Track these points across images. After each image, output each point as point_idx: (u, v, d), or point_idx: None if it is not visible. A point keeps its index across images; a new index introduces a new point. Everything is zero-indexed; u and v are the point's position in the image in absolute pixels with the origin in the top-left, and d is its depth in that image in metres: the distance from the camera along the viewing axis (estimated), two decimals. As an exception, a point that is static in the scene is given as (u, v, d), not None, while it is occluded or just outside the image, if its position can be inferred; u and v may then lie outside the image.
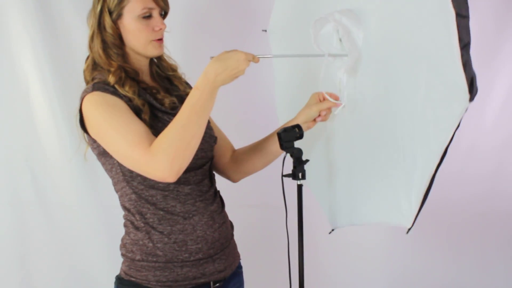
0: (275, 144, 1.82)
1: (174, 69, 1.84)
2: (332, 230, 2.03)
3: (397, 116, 1.63)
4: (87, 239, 2.62)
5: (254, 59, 1.55)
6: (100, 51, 1.66)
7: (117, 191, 1.71)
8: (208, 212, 1.71)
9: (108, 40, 1.65)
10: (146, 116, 1.60)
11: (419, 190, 1.56)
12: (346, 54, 1.75)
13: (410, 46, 1.56)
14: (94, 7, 1.66)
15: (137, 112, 1.60)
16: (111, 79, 1.62)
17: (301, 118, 1.82)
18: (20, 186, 2.53)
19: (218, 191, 1.83)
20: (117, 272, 1.77)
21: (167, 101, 1.71)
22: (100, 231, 2.62)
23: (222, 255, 1.73)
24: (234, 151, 1.98)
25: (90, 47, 1.69)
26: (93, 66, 1.69)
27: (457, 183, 2.74)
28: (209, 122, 1.80)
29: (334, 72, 1.82)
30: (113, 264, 1.87)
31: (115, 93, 1.60)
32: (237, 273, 1.85)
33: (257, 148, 1.91)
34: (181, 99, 1.76)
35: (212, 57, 1.54)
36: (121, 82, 1.62)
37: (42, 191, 2.55)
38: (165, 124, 1.62)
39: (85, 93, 1.61)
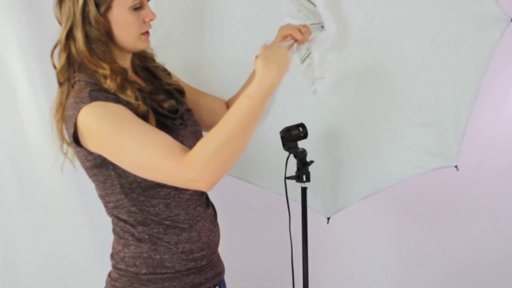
0: None
1: (153, 60, 1.71)
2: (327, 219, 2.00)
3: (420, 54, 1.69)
4: (74, 243, 2.52)
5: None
6: (84, 49, 1.47)
7: (108, 203, 1.57)
8: (208, 216, 1.64)
9: (94, 36, 1.47)
10: (152, 123, 1.47)
11: (459, 129, 1.68)
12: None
13: None
14: None
15: (142, 119, 1.46)
16: (111, 85, 1.45)
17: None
18: (5, 189, 2.41)
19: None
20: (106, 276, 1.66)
21: (166, 104, 1.60)
22: (89, 235, 2.51)
23: (217, 258, 1.71)
24: (226, 103, 1.88)
25: (66, 44, 1.49)
26: (69, 65, 1.50)
27: (476, 178, 2.67)
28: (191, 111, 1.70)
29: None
30: (102, 269, 1.76)
31: (117, 100, 1.44)
32: None
33: (250, 79, 1.79)
34: (169, 94, 1.66)
35: (256, 57, 1.40)
36: (121, 87, 1.47)
37: (28, 194, 2.42)
38: (169, 130, 1.51)
39: (80, 104, 1.41)
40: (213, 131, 1.38)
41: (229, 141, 1.36)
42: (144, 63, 1.67)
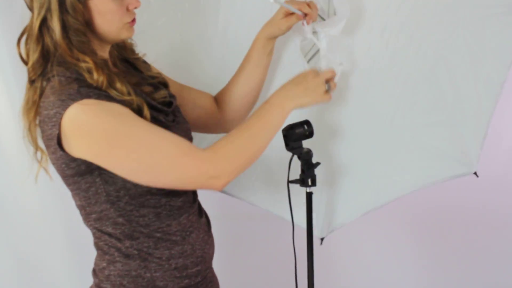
0: (261, 52, 1.64)
1: (133, 51, 1.56)
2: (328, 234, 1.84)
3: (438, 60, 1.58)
4: (51, 259, 2.40)
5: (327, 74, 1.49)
6: (62, 40, 1.31)
7: (90, 214, 1.43)
8: (201, 225, 1.54)
9: (72, 25, 1.32)
10: (147, 118, 1.36)
11: (479, 131, 1.57)
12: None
13: None
14: None
15: (137, 114, 1.35)
16: (100, 80, 1.31)
17: (264, 34, 1.62)
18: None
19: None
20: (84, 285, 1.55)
21: (157, 96, 1.46)
22: (67, 250, 2.40)
23: (212, 273, 1.62)
24: (213, 98, 1.76)
25: (40, 35, 1.33)
26: (44, 59, 1.35)
27: (499, 190, 2.52)
28: (178, 109, 1.57)
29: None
30: (79, 278, 1.70)
31: (110, 97, 1.31)
32: None
33: (244, 68, 1.68)
34: (154, 87, 1.51)
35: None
36: (109, 81, 1.33)
37: (1, 200, 2.31)
38: (164, 125, 1.40)
39: (68, 101, 1.26)
40: (236, 129, 1.39)
41: (254, 140, 1.39)
42: (123, 54, 1.52)
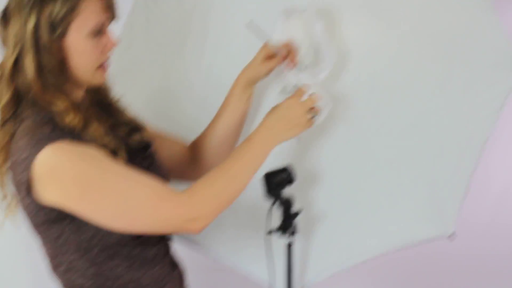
0: (239, 98, 1.56)
1: (109, 93, 1.49)
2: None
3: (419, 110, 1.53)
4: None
5: (308, 103, 1.40)
6: (35, 80, 1.25)
7: (59, 265, 1.34)
8: (175, 278, 1.46)
9: (46, 65, 1.25)
10: (122, 161, 1.30)
11: (459, 189, 1.51)
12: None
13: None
14: (18, 16, 1.24)
15: (112, 157, 1.29)
16: (75, 121, 1.25)
17: (243, 79, 1.55)
18: None
19: None
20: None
21: (134, 138, 1.41)
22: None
23: None
24: (191, 145, 1.69)
25: (13, 74, 1.26)
26: (16, 101, 1.28)
27: (486, 236, 2.48)
28: (154, 156, 1.51)
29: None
30: None
31: (84, 140, 1.25)
32: None
33: (221, 115, 1.60)
34: (130, 131, 1.45)
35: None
36: (84, 122, 1.27)
37: None
38: (141, 167, 1.33)
39: (40, 144, 1.19)
40: (215, 170, 1.34)
41: (235, 180, 1.34)
42: (97, 97, 1.46)
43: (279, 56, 1.47)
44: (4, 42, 1.27)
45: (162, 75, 1.76)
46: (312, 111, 1.39)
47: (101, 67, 1.33)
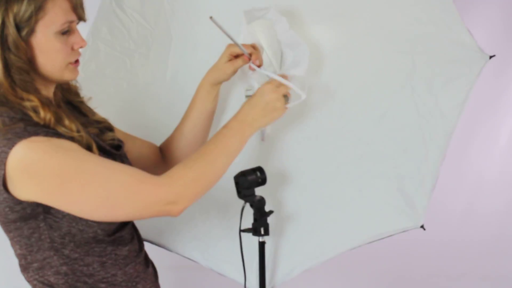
0: (206, 98, 1.59)
1: (78, 94, 1.49)
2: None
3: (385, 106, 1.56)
4: None
5: (281, 88, 1.42)
6: (4, 79, 1.24)
7: (31, 263, 1.32)
8: (148, 276, 1.45)
9: (14, 64, 1.25)
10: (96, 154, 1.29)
11: (427, 181, 1.52)
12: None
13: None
14: None
15: None
16: (48, 117, 1.24)
17: (209, 80, 1.57)
18: None
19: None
20: None
21: (106, 137, 1.41)
22: None
23: None
24: (158, 148, 1.70)
25: None
26: None
27: (463, 223, 2.54)
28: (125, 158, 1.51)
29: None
30: None
31: (59, 134, 1.24)
32: None
33: (188, 116, 1.62)
34: (101, 130, 1.46)
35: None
36: (56, 118, 1.26)
37: None
38: None
39: (14, 139, 1.18)
40: (195, 154, 1.36)
41: (213, 165, 1.36)
42: (68, 96, 1.45)
43: (243, 55, 1.49)
44: None
45: (128, 82, 1.77)
46: (286, 97, 1.43)
47: (71, 64, 1.33)
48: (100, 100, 1.51)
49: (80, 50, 1.36)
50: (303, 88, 1.43)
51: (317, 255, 1.65)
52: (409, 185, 1.55)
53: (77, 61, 1.34)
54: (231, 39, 1.44)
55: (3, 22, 1.20)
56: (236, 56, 1.53)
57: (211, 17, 1.35)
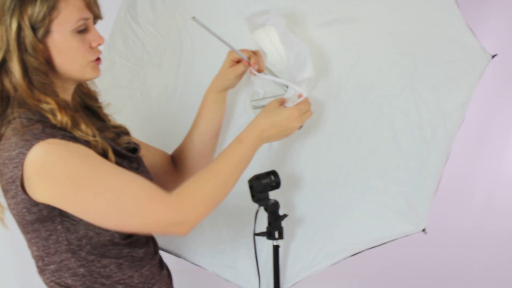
0: (212, 106, 1.61)
1: (97, 99, 1.51)
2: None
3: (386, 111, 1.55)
4: None
5: (306, 114, 1.44)
6: (22, 82, 1.26)
7: (48, 265, 1.33)
8: (163, 278, 1.47)
9: (32, 66, 1.26)
10: (112, 162, 1.30)
11: (429, 184, 1.50)
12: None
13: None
14: (1, 19, 1.25)
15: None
16: (64, 120, 1.26)
17: (214, 87, 1.59)
18: None
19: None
20: None
21: (122, 141, 1.43)
22: None
23: None
24: (170, 156, 1.71)
25: (1, 73, 1.27)
26: (2, 102, 1.29)
27: (471, 243, 2.47)
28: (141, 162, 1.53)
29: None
30: None
31: (75, 139, 1.26)
32: None
33: (196, 124, 1.64)
34: (118, 134, 1.47)
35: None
36: (73, 122, 1.28)
37: None
38: (129, 170, 1.34)
39: (32, 140, 1.20)
40: (206, 172, 1.34)
41: (225, 184, 1.35)
42: (86, 101, 1.48)
43: (244, 60, 1.52)
44: None
45: (141, 92, 1.82)
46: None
47: (93, 62, 1.34)
48: (115, 110, 1.54)
49: None
50: (308, 86, 1.47)
51: (319, 261, 1.66)
52: (410, 188, 1.54)
53: (98, 59, 1.36)
54: (221, 40, 1.46)
55: (19, 25, 1.23)
56: (238, 62, 1.55)
57: (193, 18, 1.37)
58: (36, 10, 1.23)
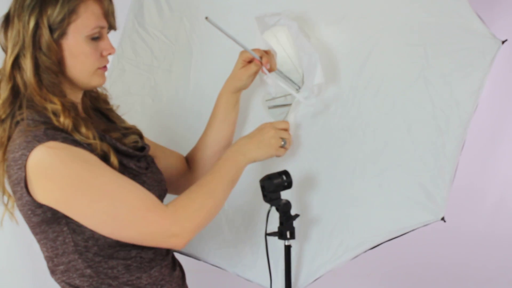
0: (226, 108, 1.62)
1: (107, 101, 1.53)
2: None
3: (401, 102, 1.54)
4: None
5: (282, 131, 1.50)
6: (32, 79, 1.28)
7: (57, 265, 1.35)
8: (174, 279, 1.46)
9: (44, 64, 1.29)
10: (114, 164, 1.31)
11: (446, 173, 1.48)
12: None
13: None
14: (19, 18, 1.28)
15: (103, 160, 1.30)
16: (65, 122, 1.27)
17: (227, 88, 1.61)
18: None
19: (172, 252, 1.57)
20: None
21: (127, 140, 1.43)
22: None
23: None
24: (184, 158, 1.73)
25: (12, 72, 1.29)
26: (14, 99, 1.31)
27: (482, 244, 2.44)
28: (155, 164, 1.54)
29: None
30: None
31: (76, 142, 1.27)
32: None
33: (210, 126, 1.65)
34: (125, 134, 1.48)
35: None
36: (74, 124, 1.29)
37: None
38: (134, 174, 1.35)
39: (34, 142, 1.22)
40: (197, 185, 1.37)
41: (213, 197, 1.37)
42: (96, 104, 1.49)
43: (256, 60, 1.52)
44: (4, 46, 1.31)
45: (153, 98, 1.83)
46: (284, 138, 1.49)
47: (100, 69, 1.36)
48: (128, 117, 1.56)
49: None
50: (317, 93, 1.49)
51: (339, 255, 1.64)
52: (428, 178, 1.53)
53: (105, 67, 1.38)
54: (234, 40, 1.47)
55: (37, 23, 1.26)
56: (250, 62, 1.55)
57: (206, 18, 1.38)
58: (56, 11, 1.27)
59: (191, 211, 1.32)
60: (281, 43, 1.65)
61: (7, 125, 1.30)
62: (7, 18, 1.31)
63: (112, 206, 1.25)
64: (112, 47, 1.37)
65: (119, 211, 1.25)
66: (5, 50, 1.31)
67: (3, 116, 1.31)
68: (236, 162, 1.42)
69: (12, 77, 1.29)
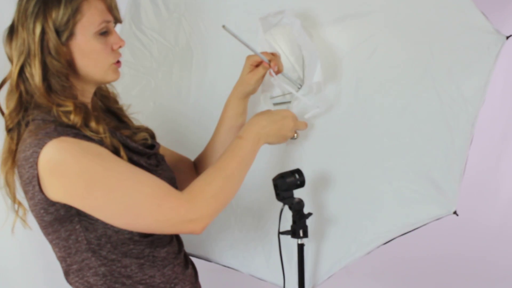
0: (234, 114, 1.61)
1: (117, 101, 1.52)
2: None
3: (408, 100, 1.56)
4: None
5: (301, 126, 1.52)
6: (41, 85, 1.26)
7: (71, 265, 1.34)
8: (187, 277, 1.45)
9: (54, 69, 1.27)
10: (124, 159, 1.30)
11: (456, 167, 1.51)
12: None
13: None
14: (24, 27, 1.26)
15: None
16: (76, 119, 1.26)
17: (236, 94, 1.59)
18: None
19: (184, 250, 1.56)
20: None
21: (137, 137, 1.42)
22: None
23: None
24: (192, 162, 1.71)
25: (18, 82, 1.28)
26: (21, 107, 1.29)
27: (497, 239, 2.46)
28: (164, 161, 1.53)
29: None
30: None
31: (88, 137, 1.26)
32: None
33: (218, 131, 1.64)
34: (135, 132, 1.47)
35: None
36: (84, 120, 1.28)
37: None
38: (145, 169, 1.33)
39: (45, 139, 1.20)
40: (212, 169, 1.34)
41: (230, 179, 1.34)
42: (106, 103, 1.48)
43: (263, 63, 1.52)
44: (10, 56, 1.29)
45: (154, 101, 1.82)
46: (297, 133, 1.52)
47: (114, 64, 1.35)
48: (137, 110, 1.55)
49: None
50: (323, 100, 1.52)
51: (353, 252, 1.65)
52: (438, 173, 1.55)
53: (118, 62, 1.37)
54: (247, 46, 1.47)
55: (43, 29, 1.25)
56: (257, 66, 1.55)
57: (223, 26, 1.39)
58: (60, 14, 1.25)
59: (208, 196, 1.29)
60: (278, 42, 1.65)
61: (15, 132, 1.29)
62: (11, 29, 1.29)
63: (127, 196, 1.24)
64: (121, 40, 1.36)
65: (134, 201, 1.24)
66: (11, 60, 1.29)
67: (10, 126, 1.29)
68: (255, 146, 1.40)
69: (18, 86, 1.28)
